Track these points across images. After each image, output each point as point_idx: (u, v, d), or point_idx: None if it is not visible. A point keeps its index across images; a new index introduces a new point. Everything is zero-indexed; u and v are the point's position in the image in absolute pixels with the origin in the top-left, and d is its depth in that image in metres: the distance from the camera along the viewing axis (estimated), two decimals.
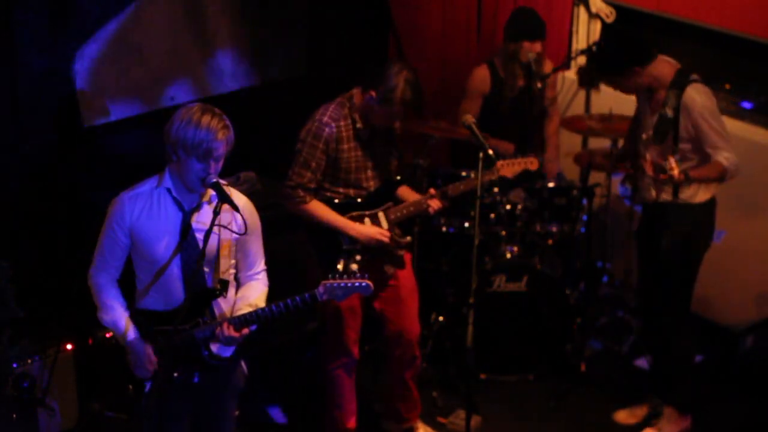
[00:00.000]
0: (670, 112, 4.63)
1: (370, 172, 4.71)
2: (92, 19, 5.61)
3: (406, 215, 4.77)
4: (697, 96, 4.62)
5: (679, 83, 4.64)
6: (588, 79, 5.03)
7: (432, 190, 4.78)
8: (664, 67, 4.71)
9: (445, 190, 4.79)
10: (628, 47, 4.68)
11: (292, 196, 4.61)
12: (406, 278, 4.91)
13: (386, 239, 4.68)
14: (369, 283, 3.95)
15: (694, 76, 4.68)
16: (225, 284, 3.86)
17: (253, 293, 3.95)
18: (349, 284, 3.93)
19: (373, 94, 4.49)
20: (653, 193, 4.86)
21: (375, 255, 4.75)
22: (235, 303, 3.94)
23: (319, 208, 4.63)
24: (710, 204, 4.86)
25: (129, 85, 5.88)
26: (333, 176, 4.65)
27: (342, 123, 4.58)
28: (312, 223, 4.67)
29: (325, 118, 4.56)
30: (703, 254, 4.95)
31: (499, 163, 4.82)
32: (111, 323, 3.86)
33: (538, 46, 5.73)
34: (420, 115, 4.83)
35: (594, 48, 5.17)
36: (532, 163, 4.92)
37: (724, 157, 4.58)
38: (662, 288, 4.98)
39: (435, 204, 4.74)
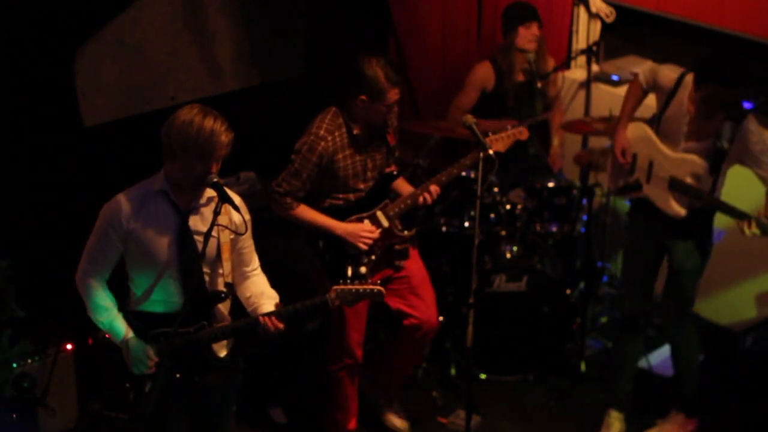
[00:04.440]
0: (726, 145, 4.62)
1: (368, 174, 4.71)
2: (92, 19, 5.60)
3: (404, 209, 4.76)
4: (754, 127, 4.62)
5: (736, 116, 4.61)
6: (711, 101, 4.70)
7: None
8: None
9: (440, 177, 4.78)
10: (744, 77, 4.56)
11: (279, 201, 4.64)
12: (415, 269, 4.91)
13: (375, 236, 4.67)
14: (381, 289, 3.96)
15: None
16: (231, 288, 3.86)
17: (265, 288, 3.98)
18: (360, 290, 3.93)
19: (364, 97, 4.51)
20: (676, 208, 4.79)
21: (381, 253, 4.76)
22: (249, 300, 3.96)
23: (305, 212, 4.65)
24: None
25: (129, 85, 5.87)
26: (331, 185, 4.66)
27: (337, 134, 4.58)
28: (301, 227, 4.69)
29: (321, 132, 4.56)
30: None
31: (489, 139, 4.76)
32: (107, 324, 3.84)
33: (534, 29, 5.71)
34: (411, 91, 4.81)
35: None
36: (521, 133, 4.90)
37: None
38: (671, 295, 4.97)
39: (429, 194, 4.72)
